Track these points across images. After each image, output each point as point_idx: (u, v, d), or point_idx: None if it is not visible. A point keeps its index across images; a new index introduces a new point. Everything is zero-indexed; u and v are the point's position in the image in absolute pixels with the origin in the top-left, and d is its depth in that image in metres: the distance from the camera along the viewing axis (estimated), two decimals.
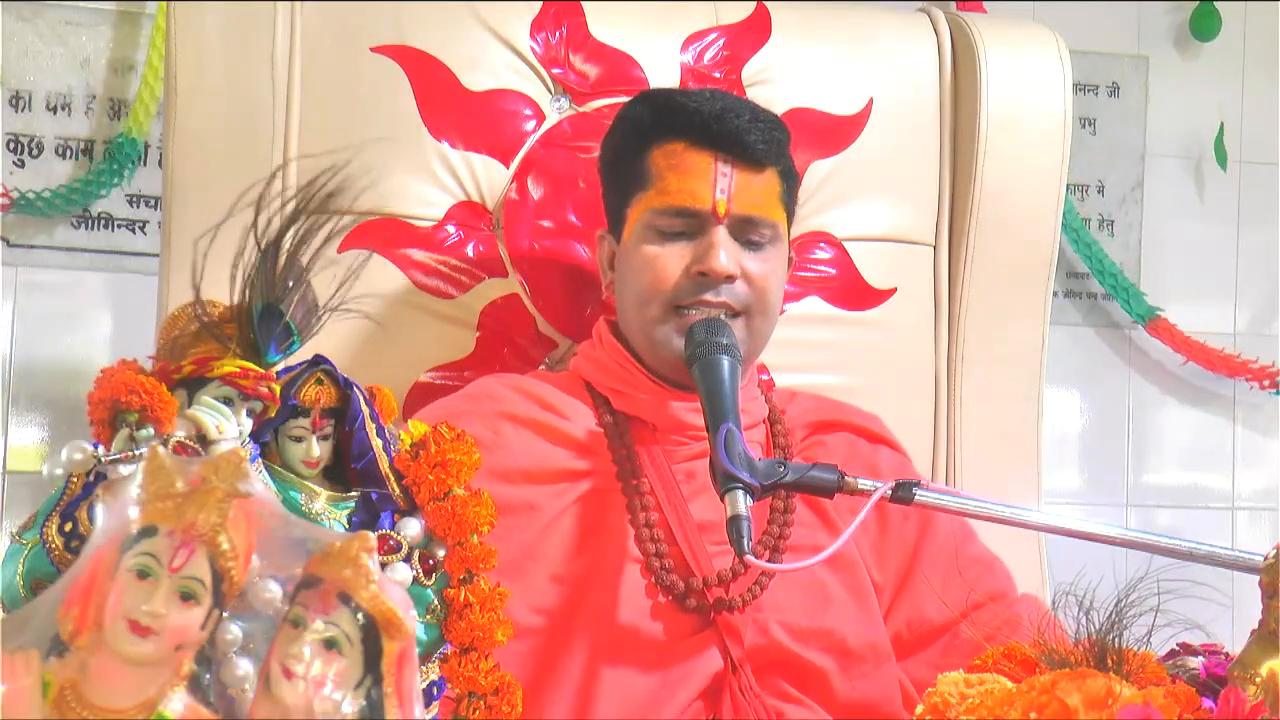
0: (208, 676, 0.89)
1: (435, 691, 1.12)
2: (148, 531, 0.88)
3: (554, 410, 1.52)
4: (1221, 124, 2.72)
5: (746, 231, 1.51)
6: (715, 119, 1.51)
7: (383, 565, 0.98)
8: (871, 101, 1.86)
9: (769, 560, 1.45)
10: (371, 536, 0.89)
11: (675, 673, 1.41)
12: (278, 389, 1.10)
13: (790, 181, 1.58)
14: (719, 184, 1.50)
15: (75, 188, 2.22)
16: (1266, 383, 2.70)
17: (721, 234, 1.49)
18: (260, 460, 1.10)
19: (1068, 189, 2.55)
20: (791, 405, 1.63)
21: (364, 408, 1.14)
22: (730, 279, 1.49)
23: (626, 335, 1.57)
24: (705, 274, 1.48)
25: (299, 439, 1.13)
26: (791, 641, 1.44)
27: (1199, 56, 2.76)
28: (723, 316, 1.49)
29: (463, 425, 1.21)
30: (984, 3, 2.50)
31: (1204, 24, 2.72)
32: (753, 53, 1.84)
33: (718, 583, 1.43)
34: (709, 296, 1.49)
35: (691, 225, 1.50)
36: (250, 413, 1.08)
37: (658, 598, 1.43)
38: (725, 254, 1.48)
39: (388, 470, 1.14)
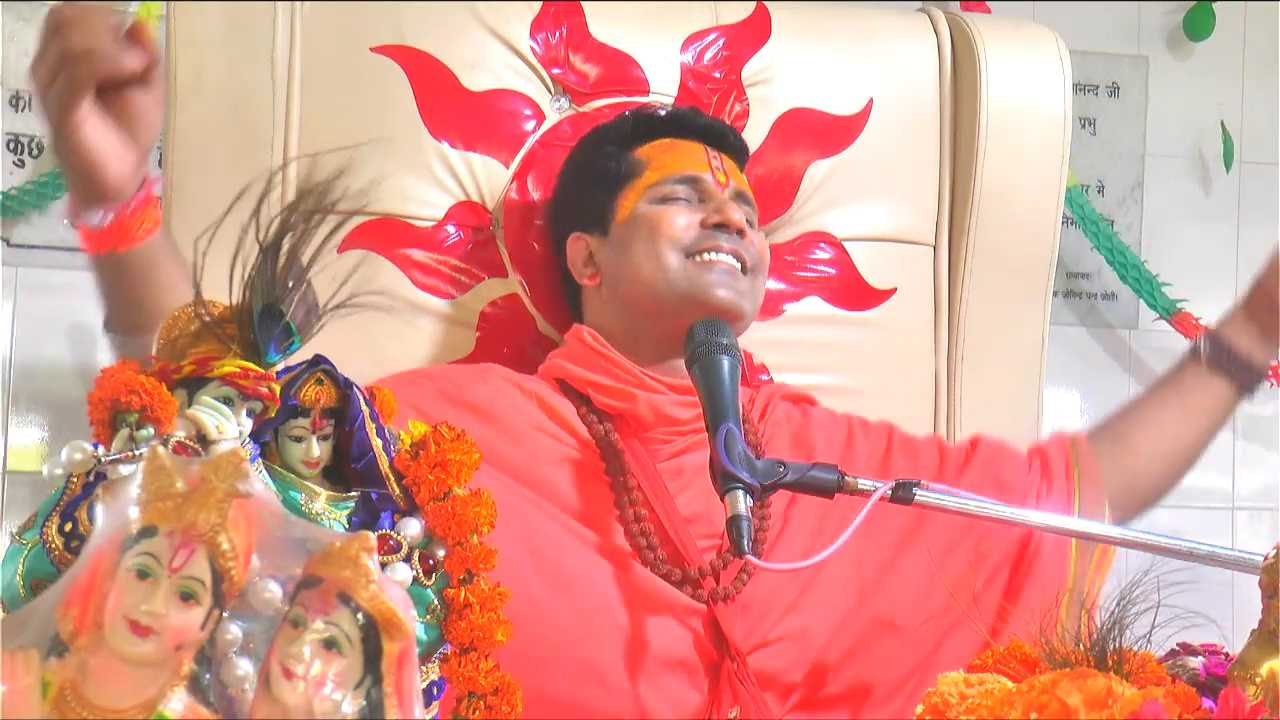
0: (208, 676, 0.89)
1: (435, 691, 1.12)
2: (148, 531, 0.88)
3: (547, 408, 1.53)
4: (1223, 123, 2.71)
5: (741, 208, 1.58)
6: (695, 115, 1.65)
7: (383, 565, 0.98)
8: (871, 101, 1.86)
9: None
10: (371, 536, 0.89)
11: (673, 662, 1.41)
12: (278, 389, 1.10)
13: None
14: (713, 162, 1.60)
15: (43, 182, 2.20)
16: None
17: (728, 194, 1.57)
18: (260, 460, 1.10)
19: (1079, 187, 2.55)
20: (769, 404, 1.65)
21: (364, 408, 1.14)
22: (741, 232, 1.55)
23: (621, 320, 1.58)
24: (721, 224, 1.54)
25: (299, 439, 1.13)
26: (774, 641, 1.45)
27: (1199, 56, 2.76)
28: (736, 269, 1.53)
29: (466, 385, 1.28)
30: (986, 2, 2.49)
31: (1197, 24, 2.72)
32: (753, 53, 1.84)
33: (710, 572, 1.44)
34: (723, 242, 1.54)
35: (693, 193, 1.57)
36: (250, 413, 1.08)
37: (652, 589, 1.43)
38: (734, 209, 1.55)
39: (388, 470, 1.14)
